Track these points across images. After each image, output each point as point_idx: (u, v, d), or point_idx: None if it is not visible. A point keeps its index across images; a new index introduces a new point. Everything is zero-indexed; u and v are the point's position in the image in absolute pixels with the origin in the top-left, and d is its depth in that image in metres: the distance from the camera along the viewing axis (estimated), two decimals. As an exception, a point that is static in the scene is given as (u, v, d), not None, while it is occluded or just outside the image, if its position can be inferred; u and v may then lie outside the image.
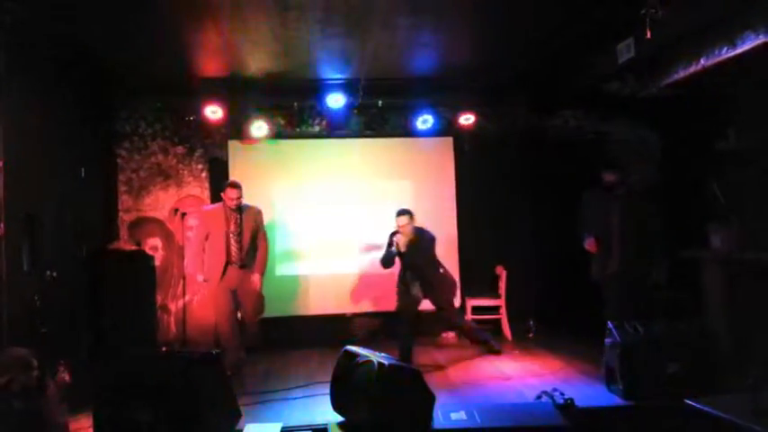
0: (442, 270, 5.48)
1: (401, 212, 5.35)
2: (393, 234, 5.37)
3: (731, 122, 5.22)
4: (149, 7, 4.32)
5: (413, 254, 5.27)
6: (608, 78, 5.46)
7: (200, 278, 5.38)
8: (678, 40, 4.42)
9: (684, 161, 5.94)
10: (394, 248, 5.30)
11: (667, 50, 4.66)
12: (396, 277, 5.51)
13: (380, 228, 6.17)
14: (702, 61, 4.53)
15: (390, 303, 6.18)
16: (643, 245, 4.84)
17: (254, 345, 5.56)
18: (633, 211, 4.91)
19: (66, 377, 3.51)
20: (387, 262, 5.40)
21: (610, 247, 4.95)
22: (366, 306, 6.53)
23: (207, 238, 5.34)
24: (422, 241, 5.34)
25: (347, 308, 6.55)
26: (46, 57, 4.81)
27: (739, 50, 4.13)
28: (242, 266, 5.29)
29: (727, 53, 4.25)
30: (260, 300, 5.60)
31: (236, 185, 5.30)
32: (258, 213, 5.47)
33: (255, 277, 5.34)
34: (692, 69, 4.67)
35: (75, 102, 5.45)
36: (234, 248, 5.27)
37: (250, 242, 5.35)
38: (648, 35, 4.07)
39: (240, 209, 5.32)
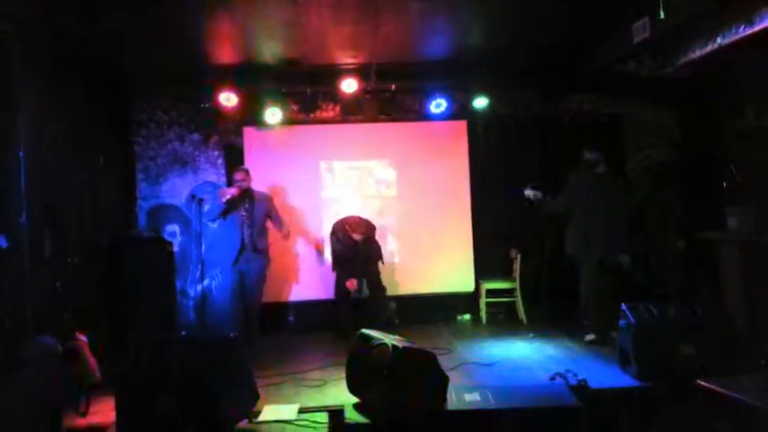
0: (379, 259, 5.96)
1: (360, 223, 5.84)
2: (340, 229, 5.80)
3: (749, 101, 5.15)
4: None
5: (366, 246, 5.77)
6: (624, 59, 5.38)
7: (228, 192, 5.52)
8: (694, 18, 4.33)
9: (702, 141, 5.87)
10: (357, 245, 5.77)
11: (683, 30, 4.58)
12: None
13: (395, 213, 6.21)
14: (719, 40, 4.45)
15: (405, 287, 6.26)
16: (614, 224, 5.19)
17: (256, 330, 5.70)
18: (609, 191, 5.26)
19: (83, 338, 3.71)
20: (347, 255, 5.81)
21: (587, 224, 5.23)
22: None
23: (226, 215, 5.56)
24: (369, 231, 5.81)
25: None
26: (60, 50, 4.86)
27: (757, 28, 4.06)
28: (253, 251, 5.57)
29: (744, 31, 4.17)
30: (264, 285, 5.79)
31: (241, 169, 5.66)
32: (269, 200, 5.75)
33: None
34: (709, 48, 4.60)
35: (91, 92, 5.52)
36: (246, 233, 5.55)
37: (260, 227, 5.61)
38: (662, 15, 4.00)
39: (251, 195, 5.56)
